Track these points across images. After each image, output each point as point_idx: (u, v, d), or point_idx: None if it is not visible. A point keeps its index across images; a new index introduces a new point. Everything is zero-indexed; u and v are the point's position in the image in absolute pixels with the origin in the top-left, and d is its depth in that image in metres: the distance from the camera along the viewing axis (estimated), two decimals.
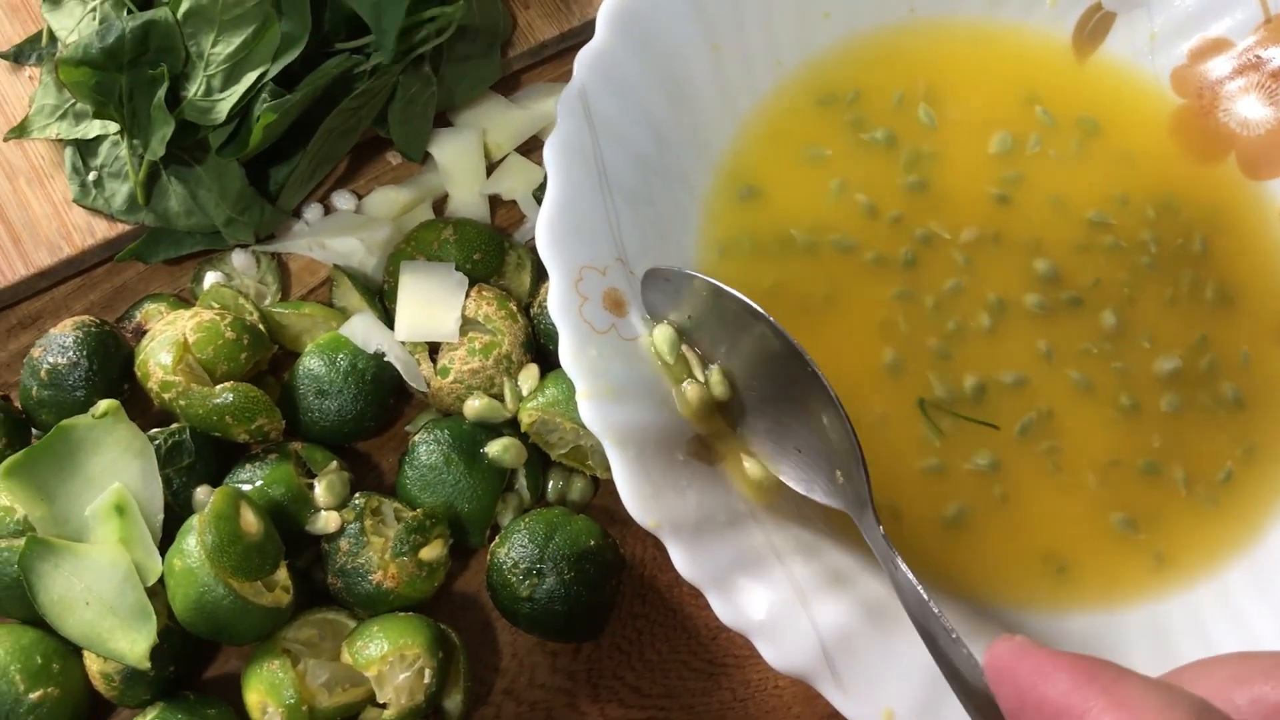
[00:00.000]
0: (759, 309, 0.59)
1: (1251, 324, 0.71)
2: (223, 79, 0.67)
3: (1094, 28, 0.78)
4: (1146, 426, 0.68)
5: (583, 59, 0.66)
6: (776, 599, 0.60)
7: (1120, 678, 0.40)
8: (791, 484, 0.60)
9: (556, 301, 0.61)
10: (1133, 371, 0.69)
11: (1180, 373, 0.69)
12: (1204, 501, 0.67)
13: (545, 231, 0.62)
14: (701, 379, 0.62)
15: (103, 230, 0.70)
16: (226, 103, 0.66)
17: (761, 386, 0.61)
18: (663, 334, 0.63)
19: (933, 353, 0.68)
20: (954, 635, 0.50)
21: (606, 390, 0.60)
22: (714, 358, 0.62)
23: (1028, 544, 0.66)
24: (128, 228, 0.71)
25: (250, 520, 0.60)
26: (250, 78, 0.66)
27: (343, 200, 0.74)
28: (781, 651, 0.59)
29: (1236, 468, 0.68)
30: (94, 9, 0.68)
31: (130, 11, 0.67)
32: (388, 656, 0.60)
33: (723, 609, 0.58)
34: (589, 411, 0.59)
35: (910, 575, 0.53)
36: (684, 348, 0.63)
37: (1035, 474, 0.66)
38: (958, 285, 0.69)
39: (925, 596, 0.52)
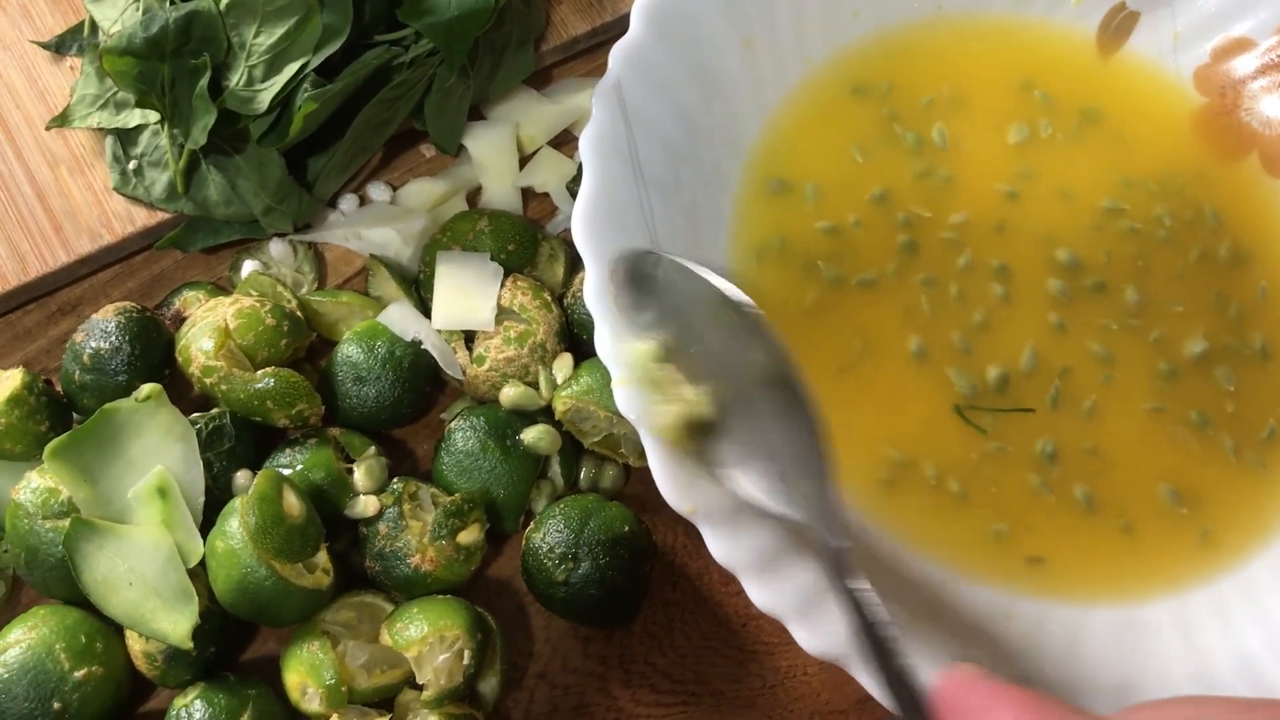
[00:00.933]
0: (734, 294, 0.57)
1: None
2: (265, 69, 0.67)
3: (1118, 26, 0.79)
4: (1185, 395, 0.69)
5: (617, 53, 0.67)
6: (809, 584, 0.61)
7: (1066, 716, 0.39)
8: (748, 494, 0.58)
9: (592, 290, 0.62)
10: (1166, 339, 0.70)
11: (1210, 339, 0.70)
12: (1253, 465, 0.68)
13: (581, 221, 0.63)
14: (687, 396, 0.59)
15: (142, 218, 0.71)
16: (268, 93, 0.67)
17: (731, 383, 0.59)
18: (645, 349, 0.60)
19: (962, 344, 0.68)
20: (907, 662, 0.49)
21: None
22: (686, 352, 0.59)
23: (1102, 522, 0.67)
24: (167, 216, 0.71)
25: (293, 503, 0.61)
26: (292, 68, 0.67)
27: (378, 191, 0.75)
28: (816, 636, 0.59)
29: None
30: (137, 0, 0.69)
31: (173, 2, 0.68)
32: (428, 638, 0.60)
33: (757, 594, 0.59)
34: (625, 399, 0.60)
35: (873, 595, 0.52)
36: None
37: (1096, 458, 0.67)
38: (988, 271, 0.69)
39: (886, 619, 0.51)
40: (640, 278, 0.60)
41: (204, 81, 0.67)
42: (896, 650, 0.49)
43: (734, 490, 0.58)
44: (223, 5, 0.67)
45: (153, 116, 0.70)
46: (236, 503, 0.61)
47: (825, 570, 0.55)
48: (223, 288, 0.72)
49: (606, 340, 0.61)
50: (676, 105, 0.69)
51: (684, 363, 0.60)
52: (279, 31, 0.67)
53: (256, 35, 0.67)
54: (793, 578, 0.60)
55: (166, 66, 0.67)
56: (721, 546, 0.59)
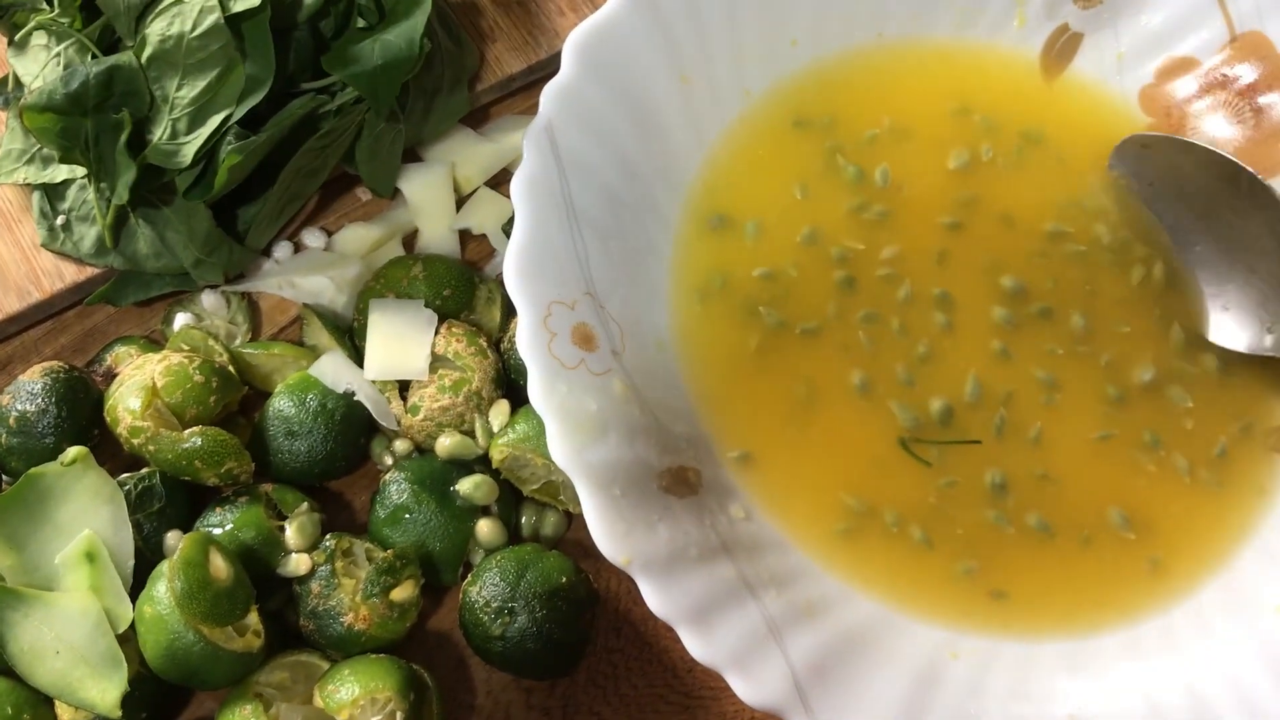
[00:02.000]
0: (1233, 160, 0.67)
1: None
2: (188, 122, 0.67)
3: (1062, 48, 0.78)
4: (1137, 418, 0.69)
5: (548, 93, 0.66)
6: (749, 633, 0.60)
7: None
8: (1218, 339, 0.68)
9: (525, 338, 0.61)
10: (1114, 363, 0.69)
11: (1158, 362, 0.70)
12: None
13: (513, 268, 0.62)
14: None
15: (72, 274, 0.71)
16: (192, 146, 0.66)
17: (1204, 245, 0.70)
18: None
19: (905, 377, 0.68)
20: None
21: (577, 427, 0.60)
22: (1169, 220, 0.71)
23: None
24: (97, 271, 0.71)
25: (219, 566, 0.60)
26: (215, 120, 0.66)
27: (312, 238, 0.74)
28: (754, 686, 0.59)
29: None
30: (58, 54, 0.68)
31: (95, 56, 0.67)
32: (359, 700, 0.60)
33: (694, 645, 0.58)
34: (559, 450, 0.59)
35: None
36: None
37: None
38: (930, 301, 0.69)
39: None
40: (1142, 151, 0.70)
41: (124, 137, 0.66)
42: None
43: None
44: (145, 58, 0.66)
45: (80, 171, 0.69)
46: (164, 566, 0.60)
47: None
48: (156, 341, 0.71)
49: (538, 389, 0.60)
50: (612, 144, 0.68)
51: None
52: (201, 84, 0.66)
53: (179, 88, 0.66)
54: (731, 627, 0.60)
55: (89, 121, 0.66)
56: (658, 597, 0.59)
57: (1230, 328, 0.68)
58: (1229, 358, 0.69)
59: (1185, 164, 0.70)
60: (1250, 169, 0.68)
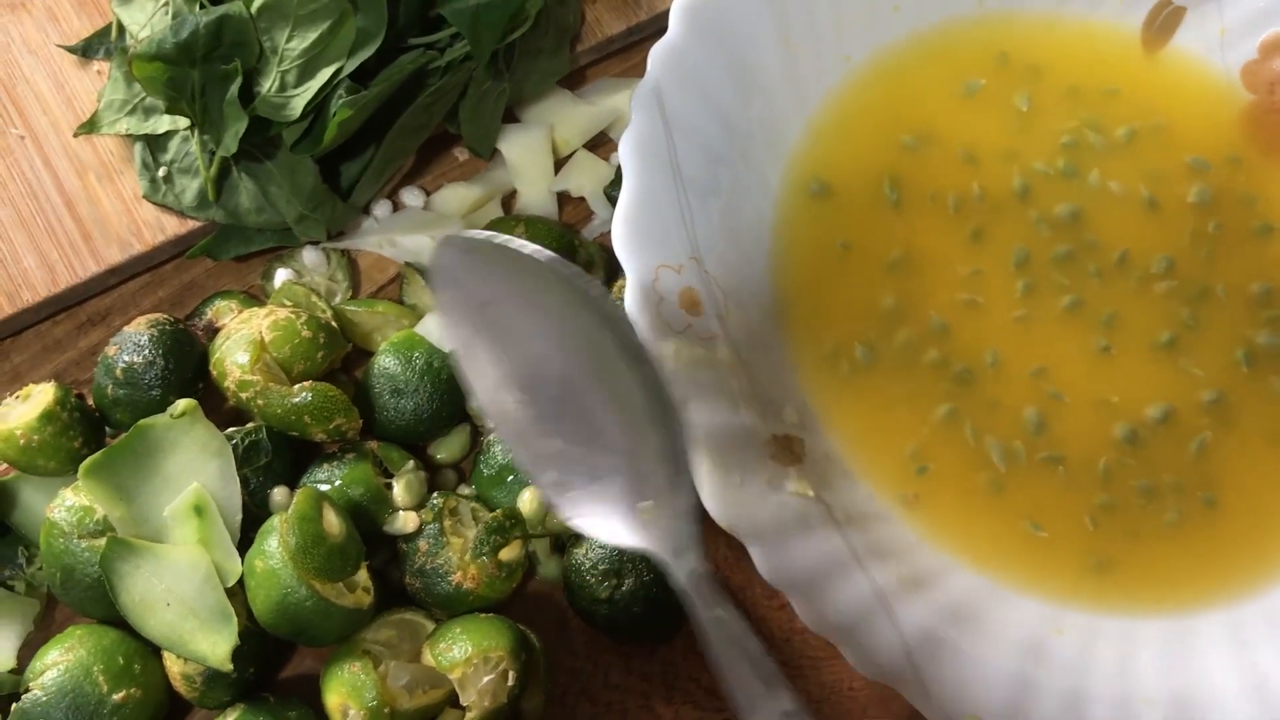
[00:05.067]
0: (585, 282, 0.53)
1: None
2: (297, 75, 0.66)
3: (1163, 22, 0.77)
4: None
5: (656, 55, 0.66)
6: (860, 603, 0.60)
7: None
8: (576, 522, 0.54)
9: (633, 301, 0.61)
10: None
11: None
12: None
13: (621, 230, 0.62)
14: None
15: (173, 226, 0.70)
16: (301, 99, 0.66)
17: (553, 394, 0.55)
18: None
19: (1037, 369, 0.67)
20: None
21: (686, 389, 0.60)
22: (499, 358, 0.54)
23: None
24: (198, 224, 0.70)
25: (333, 521, 0.60)
26: (325, 74, 0.66)
27: (411, 197, 0.73)
28: (866, 656, 0.59)
29: None
30: (166, 3, 0.68)
31: (204, 6, 0.66)
32: (472, 659, 0.59)
33: (807, 613, 0.58)
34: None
35: (741, 622, 0.51)
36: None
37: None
38: (1056, 290, 0.68)
39: (759, 645, 0.51)
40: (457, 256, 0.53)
41: (235, 88, 0.65)
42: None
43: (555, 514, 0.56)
44: (254, 9, 0.65)
45: (182, 122, 0.68)
46: (275, 521, 0.60)
47: (685, 599, 0.51)
48: (255, 297, 0.71)
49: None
50: (717, 108, 0.67)
51: (492, 340, 0.54)
52: (312, 36, 0.65)
53: (289, 40, 0.66)
54: (842, 596, 0.60)
55: (197, 72, 0.65)
56: (769, 564, 0.58)
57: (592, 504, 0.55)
58: None
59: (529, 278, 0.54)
60: (608, 301, 0.54)
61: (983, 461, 0.65)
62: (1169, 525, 0.65)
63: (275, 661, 0.65)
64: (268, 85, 0.66)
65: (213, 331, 0.67)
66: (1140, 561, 0.65)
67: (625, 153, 0.63)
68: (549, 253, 0.53)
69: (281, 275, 0.70)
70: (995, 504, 0.65)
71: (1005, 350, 0.67)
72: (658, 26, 0.77)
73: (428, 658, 0.61)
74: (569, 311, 0.54)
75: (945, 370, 0.67)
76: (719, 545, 0.69)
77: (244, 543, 0.62)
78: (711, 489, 0.58)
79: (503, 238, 0.53)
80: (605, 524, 0.53)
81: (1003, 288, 0.69)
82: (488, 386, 0.54)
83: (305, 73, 0.66)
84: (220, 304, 0.69)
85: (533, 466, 0.54)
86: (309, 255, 0.71)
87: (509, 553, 0.63)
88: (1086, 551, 0.64)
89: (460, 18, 0.67)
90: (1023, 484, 0.65)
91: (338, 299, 0.71)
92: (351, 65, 0.66)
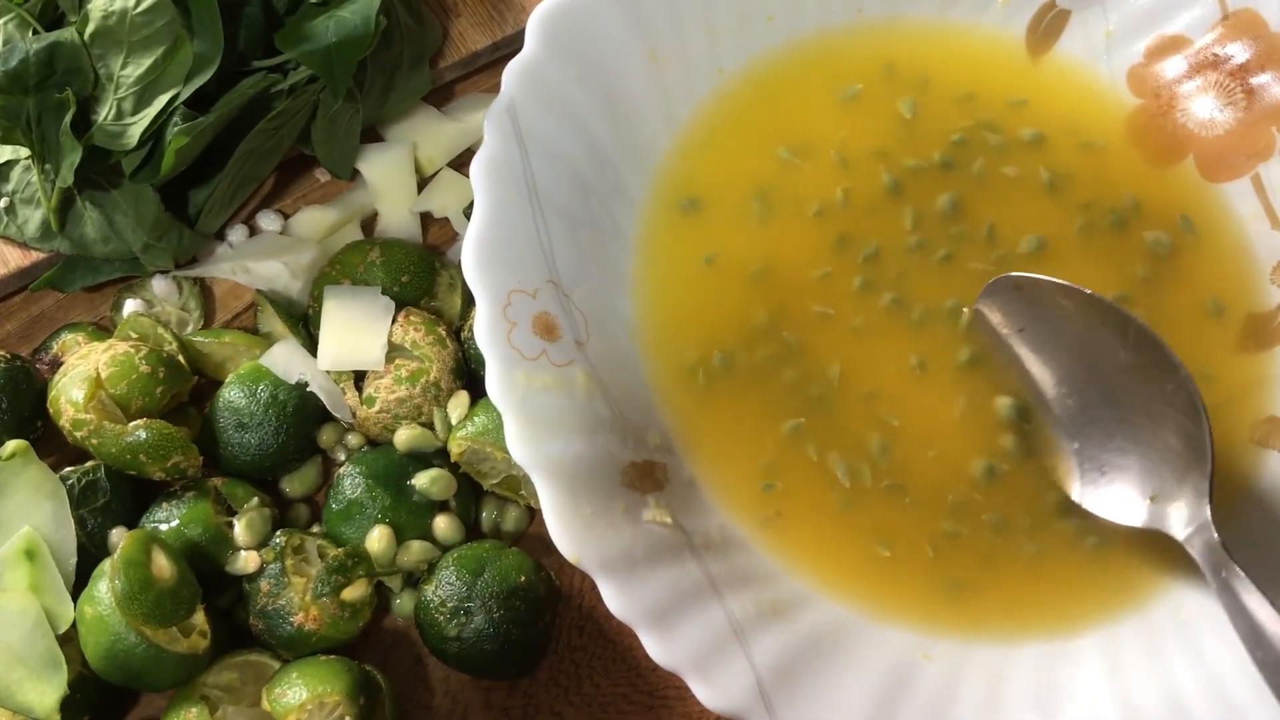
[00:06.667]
0: (1129, 314, 0.60)
1: (1219, 337, 0.69)
2: (134, 102, 0.64)
3: (1048, 26, 0.75)
4: None
5: (511, 71, 0.64)
6: (712, 635, 0.58)
7: None
8: (1091, 507, 0.61)
9: (483, 329, 0.59)
10: None
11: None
12: None
13: (471, 255, 0.60)
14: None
15: (16, 259, 0.68)
16: (138, 127, 0.64)
17: (1084, 399, 0.62)
18: None
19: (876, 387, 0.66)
20: None
21: (536, 421, 0.58)
22: (1039, 369, 0.64)
23: None
24: (43, 255, 0.68)
25: (162, 565, 0.58)
26: (162, 100, 0.64)
27: (268, 221, 0.72)
28: (715, 690, 0.57)
29: None
30: None
31: (36, 32, 0.64)
32: (306, 704, 0.58)
33: (655, 648, 0.57)
34: (517, 445, 0.57)
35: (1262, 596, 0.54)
36: None
37: None
38: (895, 301, 0.66)
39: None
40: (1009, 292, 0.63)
41: (69, 117, 0.63)
42: None
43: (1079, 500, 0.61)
44: (87, 35, 0.63)
45: (23, 152, 0.66)
46: (106, 564, 0.58)
47: (1207, 572, 0.56)
48: (105, 328, 0.69)
49: (496, 381, 0.58)
50: (577, 125, 0.66)
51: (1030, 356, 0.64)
52: (147, 62, 0.63)
53: (124, 66, 0.64)
54: (694, 628, 0.58)
55: (31, 100, 0.64)
56: (618, 598, 0.57)
57: (1105, 492, 0.62)
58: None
59: (1065, 307, 0.63)
60: (1139, 320, 0.60)
61: (830, 481, 0.63)
62: (1030, 556, 0.63)
63: (117, 707, 0.63)
64: (104, 113, 0.64)
65: (57, 366, 0.66)
66: (999, 587, 0.63)
67: (476, 173, 0.62)
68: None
69: (130, 306, 0.68)
70: (844, 523, 0.63)
71: (848, 366, 0.65)
72: (522, 42, 0.75)
73: (265, 703, 0.59)
74: (1096, 331, 0.62)
75: (798, 386, 0.65)
76: (583, 576, 0.68)
77: (81, 585, 0.60)
78: (556, 520, 0.57)
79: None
80: (1119, 509, 0.60)
81: (846, 291, 0.67)
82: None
83: (142, 100, 0.64)
84: (67, 337, 0.67)
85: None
86: (159, 284, 0.69)
87: (352, 592, 0.61)
88: (939, 574, 0.62)
89: (312, 59, 0.65)
90: (868, 505, 0.63)
91: (189, 329, 0.69)
92: (188, 91, 0.64)
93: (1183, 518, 0.58)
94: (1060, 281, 0.62)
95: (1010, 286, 0.64)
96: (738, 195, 0.69)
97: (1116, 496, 0.61)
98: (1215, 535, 0.56)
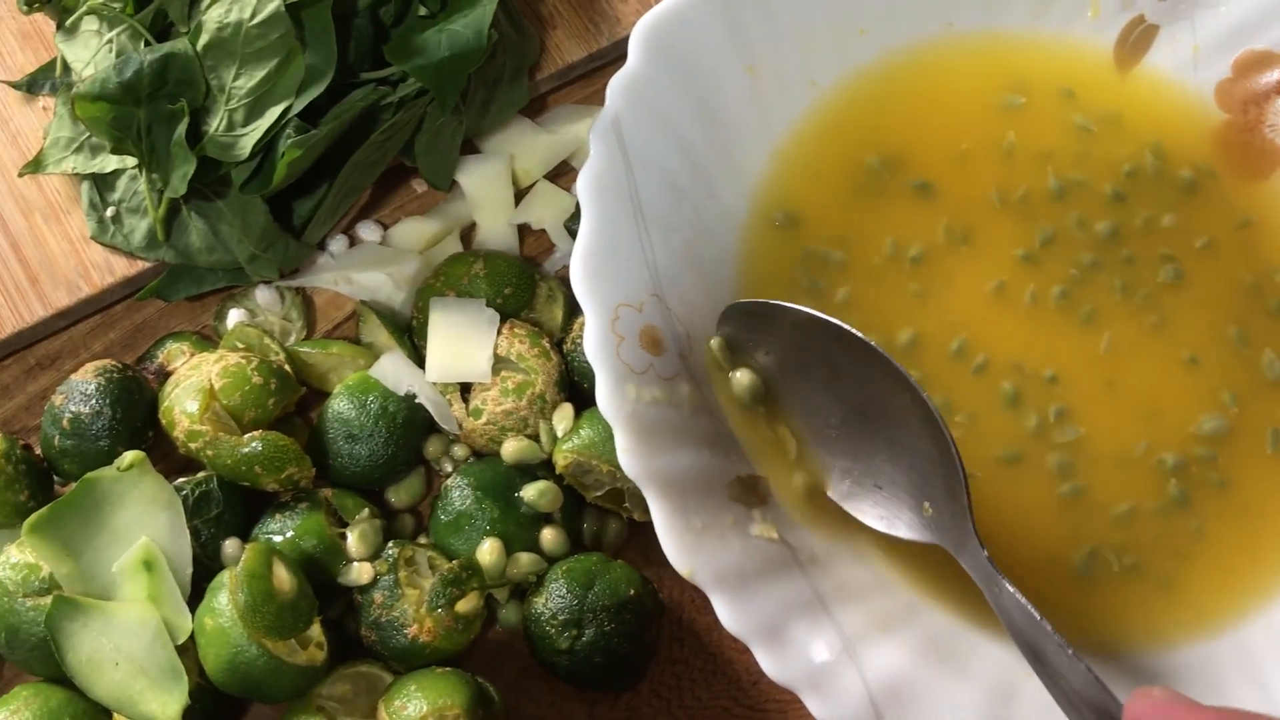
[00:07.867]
0: (852, 330, 0.58)
1: None
2: (245, 113, 0.64)
3: (1136, 40, 0.75)
4: None
5: (615, 86, 0.64)
6: (823, 651, 0.59)
7: None
8: (872, 523, 0.60)
9: (592, 343, 0.59)
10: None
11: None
12: None
13: (580, 269, 0.60)
14: (772, 432, 0.63)
15: (122, 268, 0.68)
16: (250, 138, 0.64)
17: (842, 421, 0.61)
18: (744, 379, 0.63)
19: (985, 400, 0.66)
20: (1069, 652, 0.51)
21: (646, 435, 0.59)
22: (792, 395, 0.62)
23: None
24: (148, 265, 0.68)
25: (283, 577, 0.58)
26: (274, 112, 0.64)
27: (368, 231, 0.72)
28: (829, 706, 0.58)
29: None
30: (110, 40, 0.66)
31: (148, 43, 0.64)
32: (427, 717, 0.58)
33: (769, 663, 0.57)
34: (629, 460, 0.58)
35: (1019, 596, 0.53)
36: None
37: None
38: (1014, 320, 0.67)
39: (1037, 616, 0.53)
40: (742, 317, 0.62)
41: (182, 128, 0.63)
42: (1064, 645, 0.51)
43: (856, 515, 0.60)
44: (200, 46, 0.63)
45: (130, 161, 0.66)
46: (225, 576, 0.59)
47: (979, 581, 0.56)
48: (208, 337, 0.69)
49: (606, 396, 0.59)
50: (678, 139, 0.66)
51: (781, 382, 0.63)
52: (260, 74, 0.64)
53: (236, 78, 0.64)
54: (806, 644, 0.58)
55: (142, 111, 0.64)
56: (730, 612, 0.57)
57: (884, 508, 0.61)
58: None
59: (798, 328, 0.61)
60: (853, 330, 0.58)
61: None
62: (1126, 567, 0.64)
63: (229, 717, 0.64)
64: (215, 124, 0.64)
65: (164, 376, 0.66)
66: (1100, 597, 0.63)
67: (583, 188, 0.62)
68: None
69: (234, 316, 0.69)
70: None
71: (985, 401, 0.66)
72: (619, 53, 0.75)
73: (383, 715, 0.59)
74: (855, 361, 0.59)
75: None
76: (684, 588, 0.68)
77: (196, 597, 0.60)
78: (669, 535, 0.57)
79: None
80: (895, 524, 0.60)
81: (975, 320, 0.67)
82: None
83: (254, 111, 0.64)
84: (172, 346, 0.67)
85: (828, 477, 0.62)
86: (262, 294, 0.69)
87: (466, 605, 0.61)
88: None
89: (424, 73, 0.65)
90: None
91: (292, 339, 0.69)
92: (300, 103, 0.64)
93: (952, 532, 0.57)
94: (781, 304, 0.60)
95: (742, 313, 0.62)
96: (831, 213, 0.70)
97: (890, 509, 0.60)
98: (983, 550, 0.55)
